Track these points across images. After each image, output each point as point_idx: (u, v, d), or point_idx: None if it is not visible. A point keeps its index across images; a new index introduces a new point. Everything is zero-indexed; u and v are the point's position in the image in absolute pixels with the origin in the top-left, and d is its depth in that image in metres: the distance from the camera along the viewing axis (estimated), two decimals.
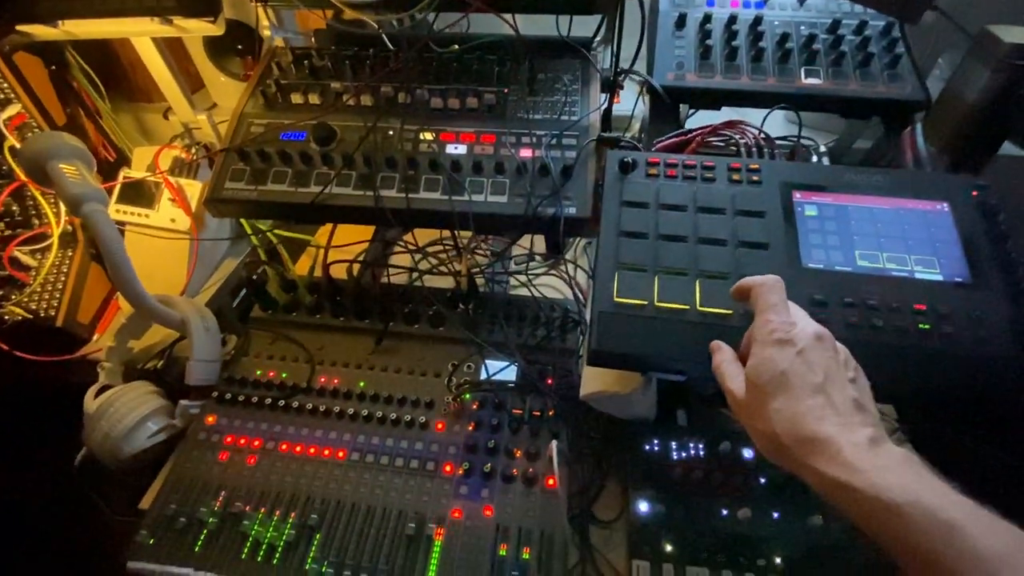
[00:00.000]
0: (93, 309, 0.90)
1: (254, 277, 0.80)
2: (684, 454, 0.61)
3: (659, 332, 0.52)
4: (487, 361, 0.72)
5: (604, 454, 0.64)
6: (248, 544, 0.58)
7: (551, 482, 0.60)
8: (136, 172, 0.91)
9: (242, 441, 0.66)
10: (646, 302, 0.53)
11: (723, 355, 0.46)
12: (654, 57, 0.81)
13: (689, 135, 0.75)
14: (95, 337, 0.88)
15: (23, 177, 0.83)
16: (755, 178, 0.60)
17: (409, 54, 0.74)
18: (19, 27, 0.84)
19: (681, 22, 0.83)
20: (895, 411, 0.63)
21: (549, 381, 0.69)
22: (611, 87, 0.77)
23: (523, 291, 0.81)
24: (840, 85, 0.76)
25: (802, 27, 0.81)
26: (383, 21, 0.73)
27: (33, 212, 0.87)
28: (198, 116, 0.96)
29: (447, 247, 0.86)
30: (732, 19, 0.82)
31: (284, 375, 0.72)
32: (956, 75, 0.67)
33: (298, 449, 0.65)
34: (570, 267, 0.82)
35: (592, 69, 0.80)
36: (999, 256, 0.53)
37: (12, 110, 0.86)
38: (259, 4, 0.85)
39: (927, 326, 0.50)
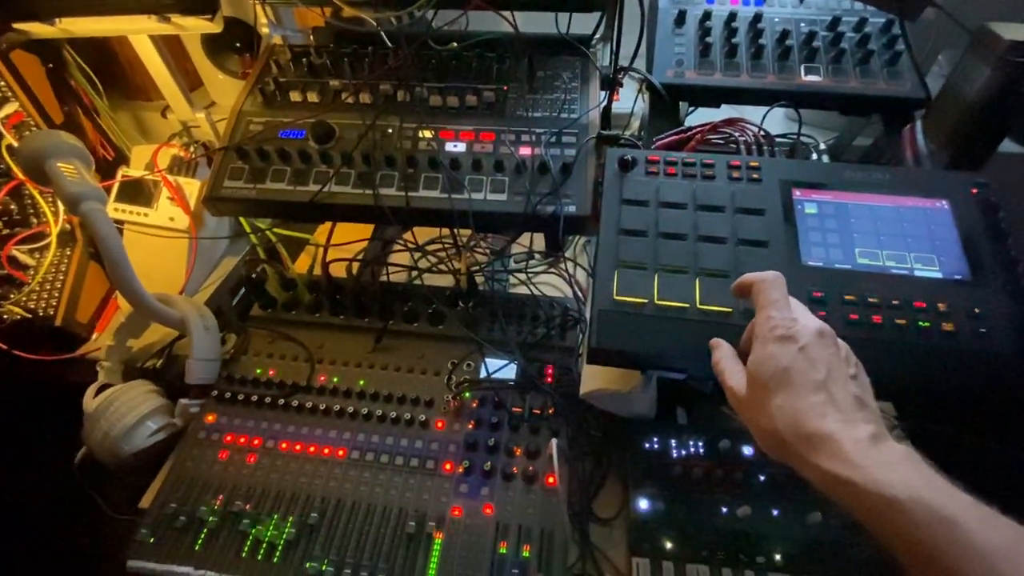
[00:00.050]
0: (92, 308, 0.90)
1: (253, 276, 0.80)
2: (684, 452, 0.61)
3: (659, 330, 0.52)
4: (487, 359, 0.72)
5: (604, 452, 0.64)
6: (248, 543, 0.58)
7: (551, 480, 0.60)
8: (134, 171, 0.91)
9: (242, 440, 0.66)
10: (646, 300, 0.53)
11: (723, 352, 0.46)
12: (653, 54, 0.81)
13: (689, 133, 0.75)
14: (94, 336, 0.88)
15: (21, 176, 0.83)
16: (755, 176, 0.60)
17: (408, 52, 0.74)
18: (16, 25, 0.84)
19: (681, 19, 0.83)
20: (894, 408, 0.63)
21: (549, 379, 0.69)
22: (610, 85, 0.77)
23: (523, 289, 0.81)
24: (840, 82, 0.76)
25: (802, 24, 0.81)
26: (382, 19, 0.73)
27: (31, 211, 0.87)
28: (196, 114, 0.95)
29: (446, 245, 0.86)
30: (732, 16, 0.82)
31: (284, 374, 0.72)
32: (956, 72, 0.67)
33: (298, 448, 0.65)
34: (570, 265, 0.82)
35: (591, 67, 0.79)
36: (998, 253, 0.53)
37: (9, 108, 0.86)
38: (257, 2, 0.85)
39: (926, 323, 0.50)
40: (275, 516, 0.59)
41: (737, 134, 0.73)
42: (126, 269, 0.61)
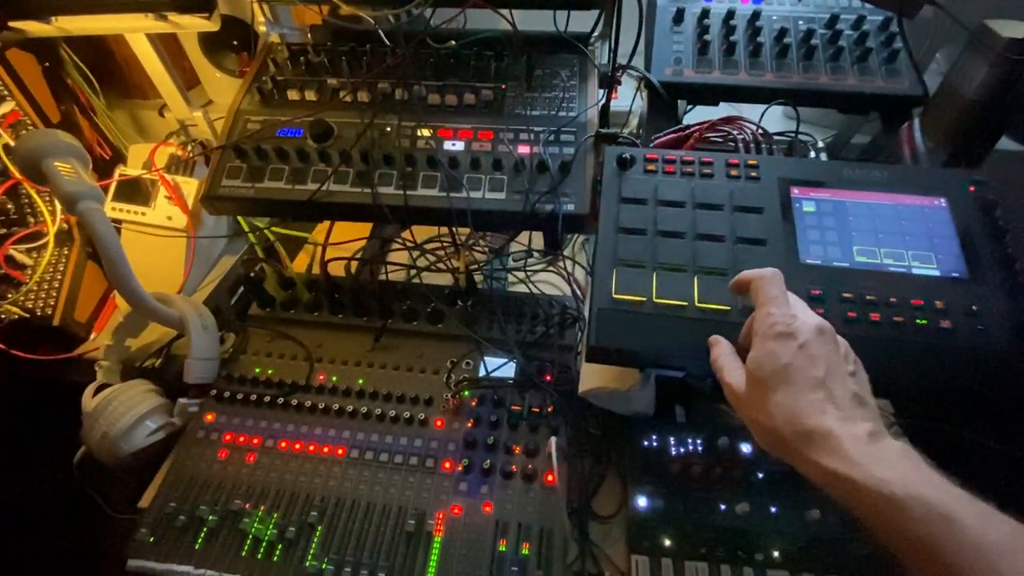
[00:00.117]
0: (90, 307, 0.90)
1: (252, 275, 0.80)
2: (682, 449, 0.61)
3: (657, 328, 0.52)
4: (486, 358, 0.72)
5: (603, 450, 0.64)
6: (248, 541, 0.58)
7: (550, 478, 0.60)
8: (132, 170, 0.91)
9: (241, 439, 0.66)
10: (644, 298, 0.53)
11: (721, 349, 0.46)
12: (652, 52, 0.81)
13: (687, 131, 0.75)
14: (92, 336, 0.87)
15: (18, 175, 0.82)
16: (753, 174, 0.60)
17: (406, 50, 0.74)
18: (12, 23, 0.83)
19: (679, 17, 0.83)
20: (892, 405, 0.63)
21: (548, 377, 0.69)
22: (609, 83, 0.77)
23: (521, 288, 0.81)
24: (838, 80, 0.76)
25: (800, 22, 0.81)
26: (379, 17, 0.73)
27: (28, 210, 0.87)
28: (194, 113, 0.95)
29: (445, 244, 0.85)
30: (730, 14, 0.82)
31: (283, 373, 0.72)
32: (954, 70, 0.67)
33: (297, 446, 0.65)
34: (568, 263, 0.82)
35: (590, 65, 0.79)
36: (996, 251, 0.53)
37: (6, 107, 0.85)
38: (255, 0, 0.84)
39: (924, 321, 0.50)
40: (275, 515, 0.59)
41: (735, 132, 0.73)
42: (124, 268, 0.60)
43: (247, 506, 0.60)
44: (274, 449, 0.65)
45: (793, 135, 0.75)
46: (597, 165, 0.69)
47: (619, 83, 0.80)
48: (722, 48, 0.79)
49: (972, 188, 0.57)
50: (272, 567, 0.56)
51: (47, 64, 0.93)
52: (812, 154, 0.77)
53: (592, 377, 0.62)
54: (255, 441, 0.66)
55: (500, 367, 0.70)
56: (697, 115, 0.79)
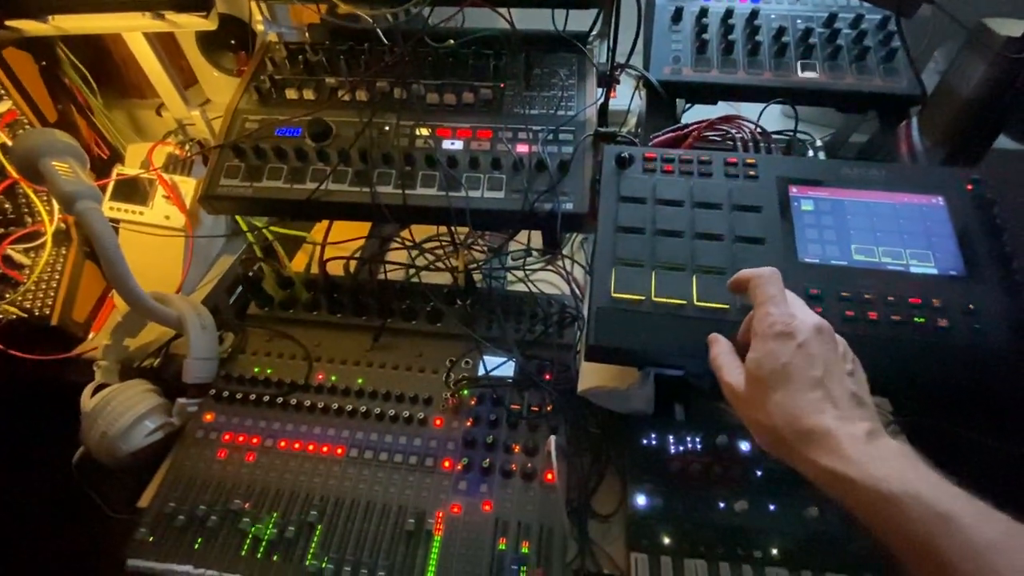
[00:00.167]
0: (88, 307, 0.90)
1: (250, 274, 0.79)
2: (681, 448, 0.61)
3: (656, 327, 0.52)
4: (485, 357, 0.72)
5: (602, 448, 0.64)
6: (248, 541, 0.58)
7: (550, 476, 0.60)
8: (130, 169, 0.90)
9: (240, 438, 0.66)
10: (643, 297, 0.53)
11: (720, 347, 0.46)
12: (650, 51, 0.81)
13: (686, 130, 0.75)
14: (91, 335, 0.87)
15: (15, 175, 0.82)
16: (751, 173, 0.60)
17: (404, 49, 0.73)
18: (8, 22, 0.83)
19: (677, 16, 0.83)
20: (890, 404, 0.63)
21: (547, 376, 0.69)
22: (607, 82, 0.77)
23: (520, 287, 0.81)
24: (836, 79, 0.76)
25: (798, 21, 0.81)
26: (378, 15, 0.73)
27: (26, 210, 0.87)
28: (192, 112, 0.95)
29: (444, 243, 0.85)
30: (728, 13, 0.82)
31: (282, 372, 0.72)
32: (952, 69, 0.67)
33: (296, 446, 0.65)
34: (567, 262, 0.82)
35: (588, 64, 0.79)
36: (994, 249, 0.54)
37: (2, 107, 0.85)
38: None
39: (922, 319, 0.50)
40: (274, 514, 0.59)
41: (734, 131, 0.73)
42: (122, 268, 0.60)
43: (247, 506, 0.60)
44: (273, 449, 0.65)
45: (791, 134, 0.76)
46: (596, 164, 0.69)
47: (618, 82, 0.80)
48: (720, 47, 0.79)
49: (970, 187, 0.57)
50: (272, 566, 0.56)
51: (44, 63, 0.93)
52: (810, 153, 0.77)
53: (591, 376, 0.62)
54: (254, 441, 0.66)
55: (499, 366, 0.71)
56: (696, 114, 0.79)
